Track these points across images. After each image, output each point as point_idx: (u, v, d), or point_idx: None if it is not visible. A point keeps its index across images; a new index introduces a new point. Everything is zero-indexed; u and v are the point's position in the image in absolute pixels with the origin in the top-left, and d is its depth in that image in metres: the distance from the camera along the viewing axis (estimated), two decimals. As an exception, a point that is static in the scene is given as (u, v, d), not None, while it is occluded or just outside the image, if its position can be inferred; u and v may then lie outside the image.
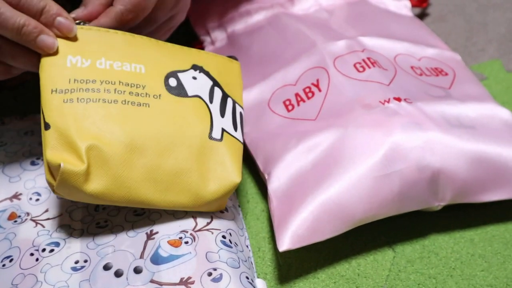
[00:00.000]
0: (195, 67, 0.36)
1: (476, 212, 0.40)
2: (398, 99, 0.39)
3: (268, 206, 0.37)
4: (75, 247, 0.33)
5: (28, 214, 0.36)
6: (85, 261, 0.32)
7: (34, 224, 0.35)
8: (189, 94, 0.35)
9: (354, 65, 0.42)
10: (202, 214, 0.35)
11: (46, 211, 0.36)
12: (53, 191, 0.31)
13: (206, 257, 0.32)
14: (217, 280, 0.31)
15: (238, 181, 0.34)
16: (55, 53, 0.33)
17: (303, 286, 0.36)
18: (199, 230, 0.34)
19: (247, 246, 0.36)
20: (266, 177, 0.38)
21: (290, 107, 0.41)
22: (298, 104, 0.41)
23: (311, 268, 0.37)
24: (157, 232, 0.33)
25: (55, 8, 0.33)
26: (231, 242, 0.34)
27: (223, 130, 0.35)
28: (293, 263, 0.37)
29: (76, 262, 0.32)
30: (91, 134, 0.31)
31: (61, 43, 0.33)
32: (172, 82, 0.35)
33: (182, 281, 0.31)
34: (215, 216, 0.35)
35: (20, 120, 0.44)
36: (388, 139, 0.36)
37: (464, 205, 0.39)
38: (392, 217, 0.37)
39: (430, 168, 0.36)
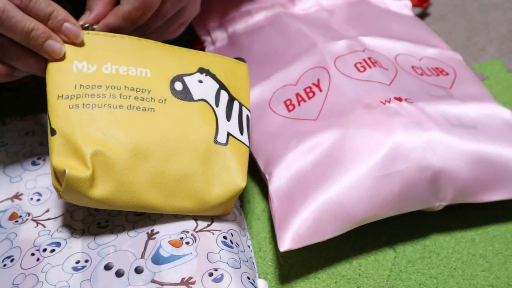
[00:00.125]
0: (201, 70, 0.36)
1: (477, 212, 0.40)
2: (399, 99, 0.39)
3: (269, 206, 0.37)
4: (76, 247, 0.33)
5: (29, 214, 0.36)
6: (86, 261, 0.32)
7: (35, 224, 0.35)
8: (195, 98, 0.35)
9: (355, 65, 0.42)
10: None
11: (47, 211, 0.36)
12: (60, 196, 0.32)
13: (207, 258, 0.32)
14: (218, 280, 0.31)
15: (243, 185, 0.34)
16: (62, 58, 0.33)
17: (304, 286, 0.36)
18: (200, 230, 0.34)
19: (248, 246, 0.36)
20: (267, 177, 0.38)
21: (291, 107, 0.41)
22: (299, 104, 0.41)
23: (312, 268, 0.37)
24: (157, 232, 0.33)
25: (62, 13, 0.33)
26: (232, 243, 0.34)
27: (228, 134, 0.35)
28: (294, 263, 0.37)
29: (77, 262, 0.32)
30: (96, 140, 0.31)
31: (67, 49, 0.34)
32: (178, 86, 0.35)
33: (183, 281, 0.31)
34: (216, 217, 0.35)
35: (21, 120, 0.44)
36: (389, 139, 0.36)
37: (465, 205, 0.39)
38: (393, 217, 0.37)
39: (431, 168, 0.36)
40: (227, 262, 0.32)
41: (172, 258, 0.32)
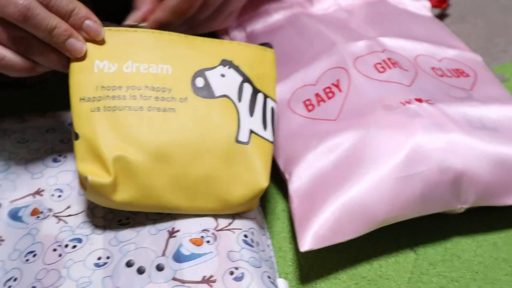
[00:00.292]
0: (224, 63, 0.36)
1: (500, 215, 0.39)
2: (419, 100, 0.38)
3: (289, 205, 0.37)
4: (97, 244, 0.33)
5: (50, 210, 0.36)
6: (108, 257, 0.32)
7: (56, 220, 0.35)
8: (216, 94, 0.35)
9: (375, 66, 0.42)
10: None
11: (68, 207, 0.36)
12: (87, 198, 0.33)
13: (228, 256, 0.32)
14: (239, 279, 0.31)
15: (266, 185, 0.33)
16: (83, 57, 0.33)
17: (325, 286, 0.36)
18: (221, 229, 0.34)
19: (268, 246, 0.36)
20: (287, 177, 0.38)
21: (310, 107, 0.41)
22: (319, 104, 0.41)
23: (333, 268, 0.37)
24: (178, 230, 0.33)
25: (84, 11, 0.33)
26: (252, 242, 0.34)
27: (251, 131, 0.34)
28: (315, 264, 0.37)
29: (99, 259, 0.32)
30: (117, 145, 0.32)
31: (89, 47, 0.34)
32: (199, 82, 0.35)
33: (204, 280, 0.31)
34: (237, 216, 0.35)
35: (41, 117, 0.44)
36: (409, 140, 0.36)
37: (487, 207, 0.39)
38: (414, 219, 0.37)
39: (452, 170, 0.35)
40: (248, 261, 0.32)
41: (193, 256, 0.32)
